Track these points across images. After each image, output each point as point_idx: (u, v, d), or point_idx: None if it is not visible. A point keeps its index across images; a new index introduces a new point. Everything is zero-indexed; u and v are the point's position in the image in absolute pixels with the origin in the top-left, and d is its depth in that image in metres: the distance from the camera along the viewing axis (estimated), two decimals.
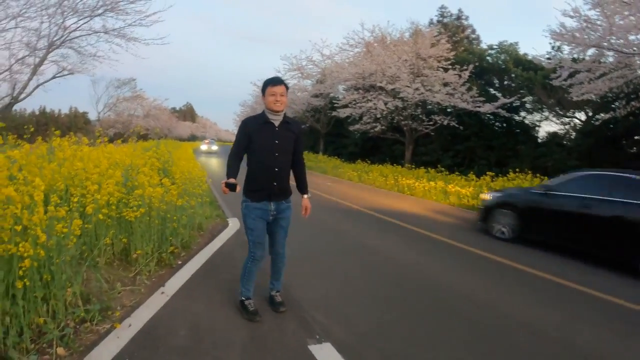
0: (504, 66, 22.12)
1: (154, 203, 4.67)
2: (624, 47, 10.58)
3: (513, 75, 21.22)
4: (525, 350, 3.28)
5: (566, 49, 13.28)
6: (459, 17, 33.85)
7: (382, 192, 14.54)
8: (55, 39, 16.66)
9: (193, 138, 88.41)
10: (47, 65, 17.48)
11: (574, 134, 19.24)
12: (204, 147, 44.44)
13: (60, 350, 2.66)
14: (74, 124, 57.36)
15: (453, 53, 20.65)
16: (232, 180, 3.16)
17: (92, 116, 51.05)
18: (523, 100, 20.91)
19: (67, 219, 3.08)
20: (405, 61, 20.07)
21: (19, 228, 2.63)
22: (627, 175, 6.56)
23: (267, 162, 3.33)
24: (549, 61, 14.32)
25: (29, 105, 69.73)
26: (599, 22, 10.95)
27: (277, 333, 3.21)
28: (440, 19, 33.13)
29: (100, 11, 16.36)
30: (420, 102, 19.74)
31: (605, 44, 10.79)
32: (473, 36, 33.12)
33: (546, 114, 20.94)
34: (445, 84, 19.42)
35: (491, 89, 22.19)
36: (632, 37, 10.39)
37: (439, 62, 19.90)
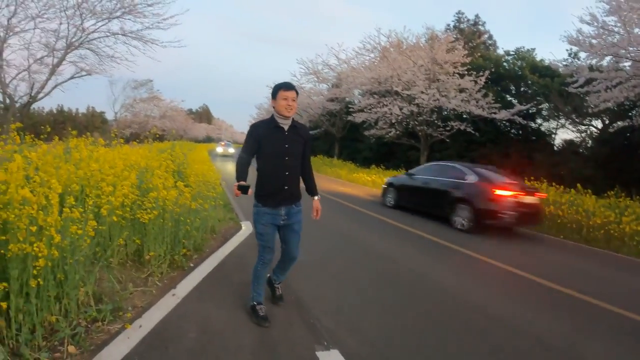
0: (520, 72, 21.95)
1: (168, 206, 4.71)
2: None
3: (529, 81, 21.05)
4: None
5: (583, 55, 13.19)
6: (475, 23, 33.75)
7: None
8: (73, 40, 16.91)
9: (209, 140, 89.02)
10: (65, 66, 17.75)
11: (590, 142, 19.01)
12: (219, 149, 41.36)
13: (71, 349, 2.69)
14: (91, 123, 58.16)
15: (469, 59, 20.52)
16: (243, 183, 3.19)
17: (109, 116, 51.49)
18: (539, 107, 20.72)
19: (81, 220, 3.12)
20: (421, 66, 19.97)
21: (34, 228, 2.67)
22: (447, 163, 10.89)
23: (278, 166, 3.36)
24: (566, 67, 14.20)
25: (46, 104, 70.81)
26: (616, 29, 10.85)
27: (286, 338, 3.21)
28: (457, 24, 33.08)
29: (118, 14, 16.60)
30: (436, 108, 19.61)
31: (623, 51, 10.66)
32: (490, 42, 32.97)
33: (562, 121, 20.75)
34: (461, 90, 19.28)
35: (507, 96, 22.03)
36: None
37: (455, 67, 19.75)
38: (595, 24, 11.23)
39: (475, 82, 18.80)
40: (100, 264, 3.73)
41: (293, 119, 3.45)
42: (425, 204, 10.46)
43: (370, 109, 22.77)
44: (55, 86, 17.93)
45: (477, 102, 18.89)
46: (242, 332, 3.25)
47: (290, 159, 3.38)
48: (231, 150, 41.79)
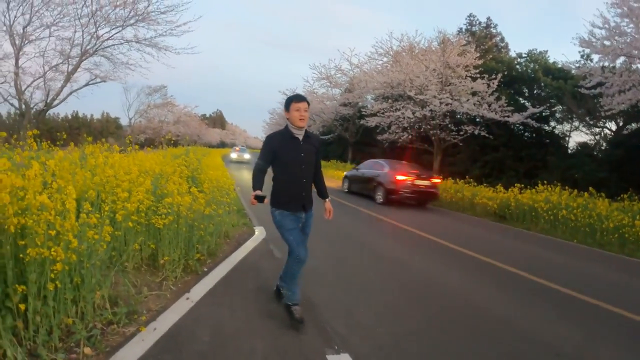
0: (533, 75, 21.74)
1: (182, 211, 4.78)
2: None
3: (542, 84, 20.84)
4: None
5: (595, 58, 13.08)
6: (487, 26, 33.59)
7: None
8: (88, 47, 17.20)
9: (222, 145, 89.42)
10: (80, 73, 18.07)
11: (604, 144, 18.77)
12: (233, 155, 37.63)
13: (87, 350, 2.75)
14: (106, 129, 58.96)
15: (481, 61, 20.34)
16: (259, 193, 3.31)
17: (124, 122, 52.16)
18: (553, 109, 20.51)
19: (98, 226, 3.19)
20: (434, 70, 19.87)
21: (52, 233, 2.74)
22: (376, 160, 15.80)
23: (295, 175, 3.54)
24: (579, 69, 14.10)
25: (62, 110, 71.79)
26: (628, 30, 10.75)
27: (297, 342, 3.24)
28: (469, 27, 32.93)
29: (132, 21, 16.84)
30: (449, 112, 19.48)
31: (635, 52, 10.55)
32: (502, 44, 32.77)
33: (576, 123, 20.51)
34: (474, 94, 19.10)
35: (520, 99, 21.78)
36: None
37: (467, 70, 19.59)
38: (607, 26, 11.14)
39: (488, 85, 18.58)
40: (115, 268, 3.80)
41: (306, 129, 3.59)
42: (362, 188, 15.13)
43: (383, 113, 22.68)
44: (71, 93, 18.25)
45: (489, 105, 18.67)
46: (255, 335, 3.28)
47: (306, 167, 3.58)
48: (247, 156, 37.60)
